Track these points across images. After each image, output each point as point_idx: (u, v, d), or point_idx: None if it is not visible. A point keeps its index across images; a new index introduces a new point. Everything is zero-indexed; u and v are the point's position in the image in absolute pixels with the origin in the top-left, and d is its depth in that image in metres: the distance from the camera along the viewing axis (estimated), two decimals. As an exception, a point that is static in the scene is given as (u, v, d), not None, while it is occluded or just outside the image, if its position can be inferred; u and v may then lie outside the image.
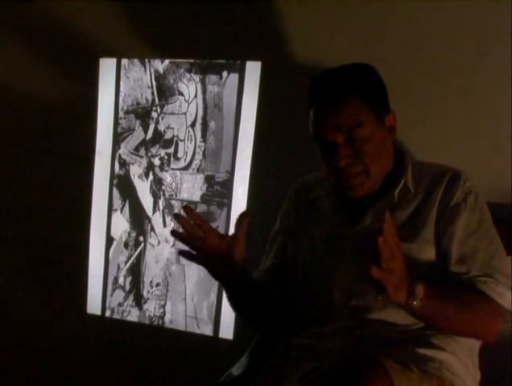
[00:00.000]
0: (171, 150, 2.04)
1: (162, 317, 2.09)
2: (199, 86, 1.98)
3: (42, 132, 2.20)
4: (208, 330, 2.02)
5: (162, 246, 2.07)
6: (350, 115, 1.20)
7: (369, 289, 1.17)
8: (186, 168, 2.02)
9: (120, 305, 2.15)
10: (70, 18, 2.09)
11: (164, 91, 2.03)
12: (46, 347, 2.26)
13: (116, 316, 2.16)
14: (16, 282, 2.29)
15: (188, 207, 1.19)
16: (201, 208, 2.00)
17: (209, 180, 1.99)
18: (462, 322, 1.19)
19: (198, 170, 2.00)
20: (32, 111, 2.20)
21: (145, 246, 2.10)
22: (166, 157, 2.05)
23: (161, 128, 2.05)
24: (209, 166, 1.99)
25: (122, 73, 2.08)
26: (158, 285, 2.08)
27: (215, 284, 1.99)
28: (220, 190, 1.98)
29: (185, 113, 2.01)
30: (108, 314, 2.17)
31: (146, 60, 2.04)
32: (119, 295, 2.14)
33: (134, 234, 2.11)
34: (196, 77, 1.98)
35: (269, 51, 1.85)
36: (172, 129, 2.03)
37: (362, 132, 1.21)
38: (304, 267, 1.34)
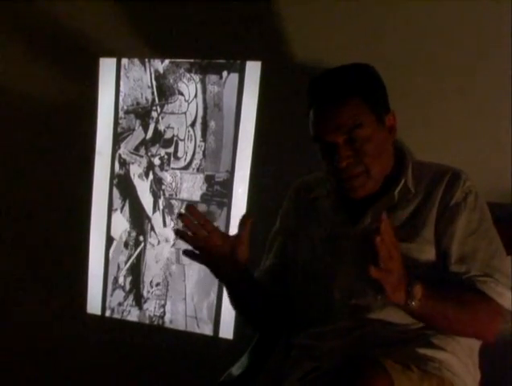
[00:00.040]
0: (171, 150, 2.04)
1: (162, 316, 2.09)
2: (199, 86, 1.98)
3: (42, 132, 2.20)
4: (208, 330, 2.02)
5: (162, 246, 2.07)
6: (350, 115, 1.20)
7: (368, 289, 1.17)
8: (186, 168, 2.02)
9: (120, 304, 2.15)
10: (70, 18, 2.09)
11: (164, 91, 2.03)
12: (46, 347, 2.26)
13: (116, 316, 2.16)
14: (16, 282, 2.29)
15: (192, 206, 1.19)
16: (201, 208, 2.00)
17: (209, 180, 1.99)
18: (461, 321, 1.19)
19: (198, 169, 2.00)
20: (32, 111, 2.20)
21: (145, 246, 2.10)
22: (166, 156, 2.05)
23: (161, 127, 2.05)
24: (209, 166, 1.99)
25: (122, 73, 2.08)
26: (158, 284, 2.08)
27: (215, 284, 1.99)
28: (220, 190, 1.98)
29: (185, 113, 2.01)
30: (108, 313, 2.17)
31: (146, 60, 2.04)
32: (119, 295, 2.15)
33: (134, 234, 2.11)
34: (196, 77, 1.98)
35: (269, 51, 1.85)
36: (172, 128, 2.03)
37: (363, 132, 1.21)
38: (304, 267, 1.34)
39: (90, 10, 2.06)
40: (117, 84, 2.09)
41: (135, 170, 2.10)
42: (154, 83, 2.04)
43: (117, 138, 2.11)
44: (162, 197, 2.06)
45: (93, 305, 2.18)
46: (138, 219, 2.10)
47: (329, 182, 1.31)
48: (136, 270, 2.11)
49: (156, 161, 2.06)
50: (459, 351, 1.23)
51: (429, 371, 1.17)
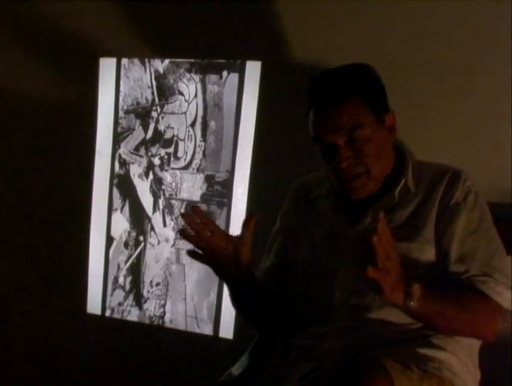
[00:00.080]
0: (171, 150, 2.04)
1: (162, 316, 2.09)
2: (199, 86, 1.98)
3: (42, 132, 2.20)
4: (208, 330, 2.02)
5: (162, 246, 2.07)
6: (350, 116, 1.20)
7: (368, 289, 1.17)
8: (186, 168, 2.02)
9: (120, 304, 2.15)
10: (70, 18, 2.09)
11: (164, 90, 2.03)
12: (46, 347, 2.26)
13: (116, 316, 2.16)
14: (16, 282, 2.29)
15: (196, 206, 1.19)
16: (201, 208, 2.00)
17: (209, 180, 1.99)
18: (461, 321, 1.19)
19: (198, 169, 2.00)
20: (32, 111, 2.20)
21: (145, 246, 2.10)
22: (166, 156, 2.05)
23: (161, 127, 2.05)
24: (209, 166, 1.99)
25: (122, 73, 2.08)
26: (158, 284, 2.09)
27: (215, 284, 2.00)
28: (220, 190, 1.98)
29: (185, 113, 2.01)
30: (108, 313, 2.17)
31: (146, 60, 2.04)
32: (119, 295, 2.15)
33: (134, 234, 2.11)
34: (196, 77, 1.98)
35: (269, 50, 1.85)
36: (172, 128, 2.03)
37: (363, 133, 1.21)
38: (304, 267, 1.34)
39: (90, 10, 2.06)
40: (117, 84, 2.09)
41: (135, 170, 2.10)
42: (154, 83, 2.04)
43: (117, 138, 2.11)
44: (162, 197, 2.06)
45: (93, 305, 2.18)
46: (138, 219, 2.10)
47: (330, 183, 1.31)
48: (136, 270, 2.11)
49: (156, 161, 2.06)
50: (459, 350, 1.23)
51: (429, 371, 1.17)
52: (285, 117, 1.83)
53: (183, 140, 2.02)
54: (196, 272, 2.02)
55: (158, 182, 2.07)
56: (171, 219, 2.05)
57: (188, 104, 2.00)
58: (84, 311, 2.18)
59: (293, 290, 1.37)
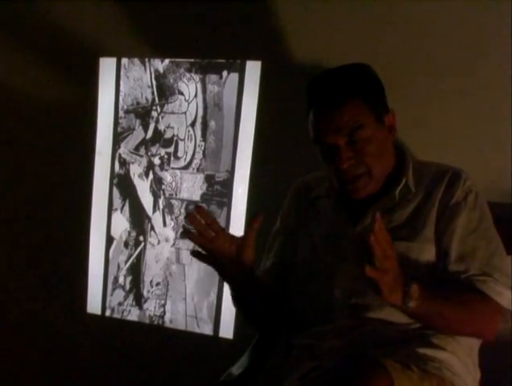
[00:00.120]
0: (171, 150, 2.04)
1: (162, 316, 2.09)
2: (199, 85, 1.98)
3: (42, 132, 2.20)
4: (208, 330, 2.02)
5: (162, 245, 2.07)
6: (351, 117, 1.21)
7: (368, 289, 1.17)
8: (186, 167, 2.02)
9: (120, 304, 2.15)
10: (70, 18, 2.09)
11: (164, 90, 2.03)
12: (46, 347, 2.26)
13: (116, 315, 2.16)
14: (16, 282, 2.29)
15: (201, 207, 1.19)
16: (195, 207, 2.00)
17: (209, 179, 1.99)
18: (460, 321, 1.19)
19: (198, 169, 2.00)
20: (32, 111, 2.20)
21: (145, 245, 2.10)
22: (166, 156, 2.05)
23: (161, 127, 2.05)
24: (209, 166, 1.99)
25: (122, 73, 2.08)
26: (158, 284, 2.09)
27: (215, 283, 2.00)
28: (220, 190, 1.98)
29: (185, 113, 2.01)
30: (108, 313, 2.17)
31: (146, 60, 2.04)
32: (119, 294, 2.15)
33: (134, 233, 2.12)
34: (196, 77, 1.98)
35: (269, 50, 1.85)
36: (172, 128, 2.03)
37: (363, 133, 1.21)
38: (304, 266, 1.34)
39: (90, 10, 2.06)
40: (117, 84, 2.09)
41: (135, 170, 2.10)
42: (154, 82, 2.04)
43: (117, 138, 2.11)
44: (162, 197, 2.06)
45: (93, 305, 2.18)
46: (138, 219, 2.10)
47: (330, 183, 1.31)
48: (136, 270, 2.12)
49: (156, 160, 2.06)
50: (459, 350, 1.23)
51: (429, 370, 1.17)
52: (285, 117, 1.83)
53: (183, 140, 2.02)
54: (196, 272, 2.02)
55: (158, 182, 2.07)
56: (171, 219, 2.05)
57: (188, 103, 2.00)
58: (84, 311, 2.18)
59: (293, 290, 1.37)
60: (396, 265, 1.10)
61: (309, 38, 1.78)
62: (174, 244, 2.05)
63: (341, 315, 1.26)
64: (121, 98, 2.09)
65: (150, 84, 2.05)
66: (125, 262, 2.13)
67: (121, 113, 2.10)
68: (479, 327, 1.22)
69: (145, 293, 2.11)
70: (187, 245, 2.03)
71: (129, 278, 2.13)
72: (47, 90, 2.16)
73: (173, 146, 2.03)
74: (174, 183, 2.04)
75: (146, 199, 2.09)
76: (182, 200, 2.04)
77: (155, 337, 2.10)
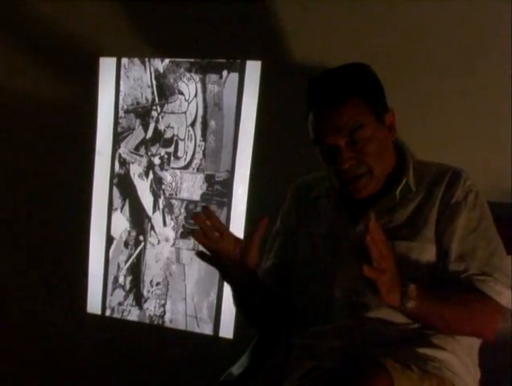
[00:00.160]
0: (171, 149, 2.04)
1: (162, 316, 2.09)
2: (199, 85, 1.98)
3: (42, 132, 2.20)
4: (208, 330, 2.03)
5: (162, 245, 2.07)
6: (351, 117, 1.21)
7: (367, 290, 1.17)
8: (186, 167, 2.02)
9: (120, 304, 2.15)
10: (70, 18, 2.09)
11: (164, 90, 2.03)
12: (46, 347, 2.26)
13: (116, 315, 2.16)
14: (16, 282, 2.29)
15: (208, 207, 1.20)
16: (201, 207, 2.00)
17: (209, 179, 1.99)
18: (460, 321, 1.19)
19: (198, 169, 2.00)
20: (32, 111, 2.20)
21: (145, 245, 2.10)
22: (166, 156, 2.05)
23: (161, 127, 2.05)
24: (209, 166, 1.99)
25: (122, 72, 2.08)
26: (158, 284, 2.09)
27: (215, 283, 2.00)
28: (220, 190, 1.98)
29: (185, 112, 2.01)
30: (108, 313, 2.17)
31: (146, 59, 2.04)
32: (119, 294, 2.15)
33: (134, 233, 2.12)
34: (196, 76, 1.98)
35: (269, 50, 1.85)
36: (172, 128, 2.03)
37: (364, 133, 1.21)
38: (305, 266, 1.34)
39: (90, 10, 2.06)
40: (117, 84, 2.09)
41: (135, 170, 2.10)
42: (154, 82, 2.04)
43: (117, 138, 2.11)
44: (162, 196, 2.07)
45: (93, 305, 2.18)
46: (138, 219, 2.10)
47: (330, 184, 1.31)
48: (136, 270, 2.12)
49: (156, 160, 2.06)
50: (459, 350, 1.23)
51: (429, 370, 1.17)
52: (285, 117, 1.83)
53: (183, 139, 2.02)
54: (196, 271, 2.02)
55: (158, 182, 2.07)
56: (171, 219, 2.05)
57: (188, 103, 2.00)
58: (84, 311, 2.18)
59: (293, 290, 1.37)
60: (393, 266, 1.10)
61: (309, 38, 1.78)
62: (174, 244, 2.05)
63: (341, 315, 1.26)
64: (121, 98, 2.09)
65: (150, 83, 2.05)
66: (126, 262, 2.13)
67: (121, 113, 2.10)
68: (479, 327, 1.22)
69: (145, 292, 2.11)
70: (187, 245, 2.03)
71: (129, 278, 2.13)
72: (47, 90, 2.16)
73: (173, 146, 2.03)
74: (174, 183, 2.04)
75: (146, 199, 2.09)
76: (182, 200, 2.04)
77: (155, 337, 2.10)
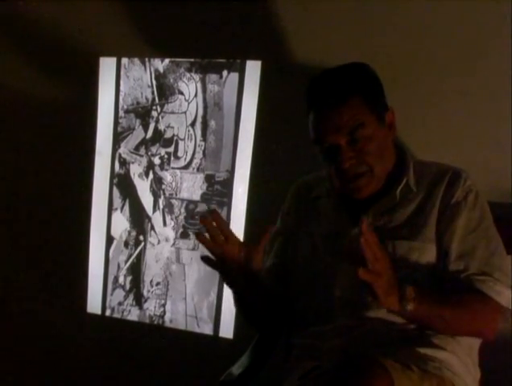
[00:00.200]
0: (171, 149, 2.04)
1: (162, 316, 2.09)
2: (199, 85, 1.98)
3: (42, 132, 2.20)
4: (208, 330, 2.03)
5: (162, 245, 2.07)
6: (351, 116, 1.21)
7: (365, 294, 1.17)
8: (186, 167, 2.02)
9: (120, 304, 2.15)
10: (70, 18, 2.09)
11: (164, 90, 2.03)
12: (46, 347, 2.26)
13: (116, 315, 2.16)
14: (16, 282, 2.29)
15: (215, 211, 1.20)
16: (201, 207, 2.00)
17: (209, 179, 1.99)
18: (459, 322, 1.19)
19: (198, 169, 2.00)
20: (32, 111, 2.20)
21: (145, 245, 2.10)
22: (166, 156, 2.05)
23: (161, 127, 2.05)
24: (209, 166, 1.99)
25: (122, 72, 2.08)
26: (158, 284, 2.09)
27: (215, 283, 2.00)
28: (220, 190, 1.98)
29: (185, 112, 2.01)
30: (108, 313, 2.17)
31: (147, 59, 2.04)
32: (119, 294, 2.15)
33: (134, 233, 2.12)
34: (196, 76, 1.98)
35: (269, 50, 1.85)
36: (172, 128, 2.03)
37: (364, 132, 1.21)
38: (305, 266, 1.34)
39: (90, 10, 2.06)
40: (117, 84, 2.09)
41: (135, 170, 2.10)
42: (154, 82, 2.04)
43: (118, 138, 2.11)
44: (162, 196, 2.07)
45: (93, 305, 2.18)
46: (138, 219, 2.10)
47: (330, 183, 1.31)
48: (136, 269, 2.12)
49: (156, 160, 2.06)
50: (459, 350, 1.23)
51: (429, 370, 1.17)
52: (285, 116, 1.83)
53: (184, 139, 2.02)
54: (196, 271, 2.02)
55: (158, 182, 2.07)
56: (171, 219, 2.05)
57: (188, 103, 2.00)
58: (84, 311, 2.18)
59: (293, 290, 1.37)
60: (389, 268, 1.10)
61: (309, 38, 1.78)
62: (174, 244, 2.05)
63: (341, 315, 1.26)
64: (121, 98, 2.09)
65: (150, 83, 2.05)
66: (126, 262, 2.13)
67: (121, 113, 2.10)
68: (479, 327, 1.22)
69: (145, 292, 2.11)
70: (187, 245, 2.03)
71: (129, 278, 2.13)
72: (47, 90, 2.16)
73: (173, 146, 2.03)
74: (174, 183, 2.04)
75: (146, 199, 2.09)
76: (182, 200, 2.04)
77: (155, 337, 2.10)
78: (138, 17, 2.03)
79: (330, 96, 1.22)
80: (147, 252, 2.10)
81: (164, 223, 2.07)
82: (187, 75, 1.99)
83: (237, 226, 1.92)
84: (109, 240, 2.15)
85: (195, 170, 2.01)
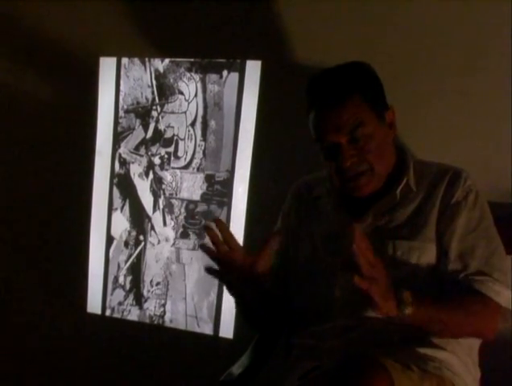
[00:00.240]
0: (171, 149, 2.04)
1: (162, 316, 2.09)
2: (199, 85, 1.98)
3: (42, 132, 2.20)
4: (208, 329, 2.03)
5: (162, 245, 2.07)
6: (351, 115, 1.21)
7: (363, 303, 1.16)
8: (186, 167, 2.02)
9: (120, 304, 2.15)
10: (70, 18, 2.09)
11: (164, 90, 2.03)
12: (46, 347, 2.26)
13: (116, 315, 2.16)
14: (16, 282, 2.29)
15: (220, 220, 1.19)
16: (201, 207, 2.00)
17: (209, 179, 1.99)
18: (458, 324, 1.19)
19: (198, 169, 2.00)
20: (32, 111, 2.20)
21: (145, 245, 2.10)
22: (166, 156, 2.05)
23: (161, 127, 2.05)
24: (209, 165, 1.99)
25: (122, 72, 2.08)
26: (158, 284, 2.09)
27: (215, 283, 2.00)
28: (220, 190, 1.98)
29: (185, 112, 2.01)
30: (108, 313, 2.17)
31: (147, 59, 2.04)
32: (119, 294, 2.15)
33: (134, 233, 2.12)
34: (197, 76, 1.98)
35: (269, 50, 1.85)
36: (172, 128, 2.03)
37: (364, 130, 1.21)
38: (305, 265, 1.34)
39: (90, 10, 2.06)
40: (117, 84, 2.09)
41: (135, 170, 2.10)
42: (154, 82, 2.04)
43: (118, 138, 2.11)
44: (162, 196, 2.07)
45: (93, 305, 2.18)
46: (139, 219, 2.10)
47: (331, 182, 1.31)
48: (136, 269, 2.12)
49: (156, 160, 2.06)
50: (459, 350, 1.23)
51: (429, 370, 1.17)
52: (285, 116, 1.83)
53: (184, 139, 2.02)
54: (196, 271, 2.03)
55: (158, 182, 2.07)
56: (171, 219, 2.05)
57: (188, 103, 2.00)
58: (84, 311, 2.18)
59: (293, 290, 1.37)
60: (384, 274, 1.08)
61: (309, 38, 1.78)
62: (174, 244, 2.05)
63: (341, 315, 1.26)
64: (121, 98, 2.09)
65: (150, 83, 2.05)
66: (126, 262, 2.13)
67: (121, 113, 2.10)
68: (478, 328, 1.22)
69: (145, 292, 2.11)
70: (187, 245, 2.03)
71: (129, 278, 2.13)
72: (47, 90, 2.16)
73: (173, 146, 2.03)
74: (174, 183, 2.04)
75: (147, 199, 2.09)
76: (182, 200, 2.04)
77: (155, 337, 2.10)
78: (138, 17, 2.03)
79: (330, 95, 1.22)
80: (147, 252, 2.10)
81: (164, 223, 2.07)
82: (187, 75, 1.99)
83: (237, 226, 1.92)
84: (109, 239, 2.15)
85: (195, 169, 2.01)
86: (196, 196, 2.01)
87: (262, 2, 1.83)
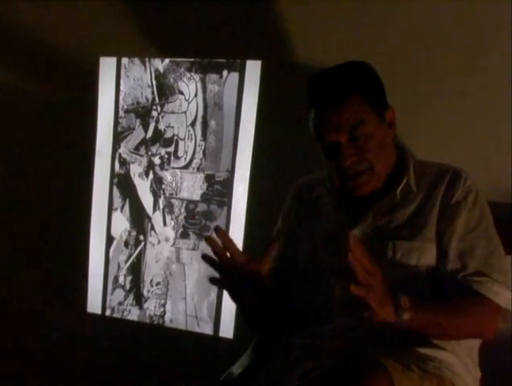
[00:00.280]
0: (171, 149, 2.04)
1: (162, 316, 2.09)
2: (199, 85, 1.98)
3: (42, 132, 2.20)
4: (208, 329, 2.03)
5: (162, 245, 2.07)
6: (352, 114, 1.21)
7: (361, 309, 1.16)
8: (186, 167, 2.02)
9: (120, 304, 2.15)
10: (70, 18, 2.09)
11: (164, 90, 2.03)
12: (46, 347, 2.26)
13: (116, 315, 2.16)
14: (16, 282, 2.29)
15: (220, 228, 1.18)
16: (201, 207, 2.00)
17: (209, 179, 1.99)
18: (456, 327, 1.19)
19: (198, 169, 2.00)
20: (32, 111, 2.20)
21: (145, 245, 2.10)
22: (166, 156, 2.05)
23: (161, 127, 2.05)
24: (209, 165, 1.99)
25: (122, 72, 2.08)
26: (158, 284, 2.09)
27: (215, 283, 1.99)
28: (220, 190, 1.98)
29: (185, 112, 2.01)
30: (108, 313, 2.17)
31: (147, 59, 2.04)
32: (119, 294, 2.15)
33: (134, 233, 2.12)
34: (197, 76, 1.98)
35: (269, 50, 1.85)
36: (172, 128, 2.03)
37: (365, 130, 1.21)
38: (305, 265, 1.34)
39: (90, 10, 2.06)
40: (117, 84, 2.09)
41: (135, 170, 2.10)
42: (154, 82, 2.04)
43: (118, 137, 2.11)
44: (162, 196, 2.07)
45: (94, 305, 2.18)
46: (139, 219, 2.10)
47: (331, 182, 1.31)
48: (136, 269, 2.12)
49: (156, 160, 2.06)
50: (459, 350, 1.23)
51: (429, 370, 1.17)
52: (285, 116, 1.83)
53: (184, 139, 2.02)
54: (196, 271, 2.03)
55: (158, 182, 2.07)
56: (171, 219, 2.05)
57: (188, 103, 2.00)
58: (84, 311, 2.18)
59: (294, 290, 1.37)
60: (381, 281, 1.08)
61: (309, 38, 1.78)
62: (174, 244, 2.05)
63: (341, 315, 1.26)
64: (121, 98, 2.09)
65: (150, 83, 2.05)
66: (126, 262, 2.13)
67: (121, 113, 2.10)
68: (477, 330, 1.21)
69: (145, 292, 2.11)
70: (187, 245, 2.03)
71: (129, 278, 2.13)
72: (47, 90, 2.16)
73: (173, 146, 2.03)
74: (174, 183, 2.04)
75: (147, 199, 2.09)
76: (182, 200, 2.04)
77: (155, 336, 2.10)
78: (138, 17, 2.03)
79: (330, 94, 1.22)
80: (147, 251, 2.10)
81: (164, 223, 2.07)
82: (188, 75, 1.99)
83: (237, 226, 1.92)
84: (109, 239, 2.15)
85: (195, 169, 2.01)
86: (196, 196, 2.01)
87: (262, 2, 1.83)
